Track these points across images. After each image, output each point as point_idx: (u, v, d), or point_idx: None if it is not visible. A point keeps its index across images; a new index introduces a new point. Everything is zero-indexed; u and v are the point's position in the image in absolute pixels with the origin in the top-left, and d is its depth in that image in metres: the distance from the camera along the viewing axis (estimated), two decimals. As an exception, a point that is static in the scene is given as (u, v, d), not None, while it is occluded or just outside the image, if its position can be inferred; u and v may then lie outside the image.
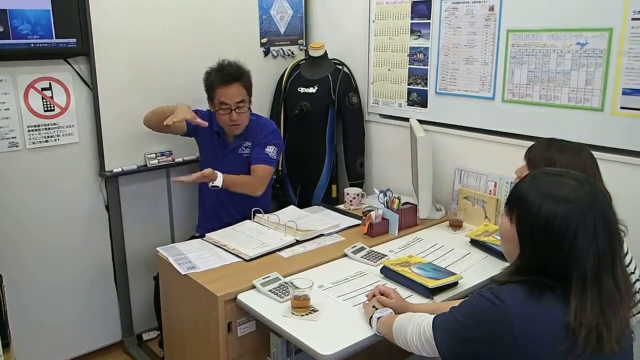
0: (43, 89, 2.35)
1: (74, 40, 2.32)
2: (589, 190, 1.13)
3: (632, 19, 1.89)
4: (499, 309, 1.13)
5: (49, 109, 2.38)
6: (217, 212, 2.51)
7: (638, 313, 1.55)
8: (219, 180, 2.26)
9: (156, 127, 2.44)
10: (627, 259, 1.59)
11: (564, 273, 1.11)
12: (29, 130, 2.34)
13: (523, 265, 1.18)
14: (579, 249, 1.09)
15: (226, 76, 2.35)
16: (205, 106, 2.50)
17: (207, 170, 2.25)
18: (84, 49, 2.36)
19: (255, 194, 2.39)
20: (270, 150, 2.43)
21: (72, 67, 2.41)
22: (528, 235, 1.16)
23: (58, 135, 2.42)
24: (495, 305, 1.14)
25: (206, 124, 2.34)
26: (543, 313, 1.10)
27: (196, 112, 2.48)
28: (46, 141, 2.39)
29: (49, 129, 2.39)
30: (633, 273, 1.59)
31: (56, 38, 2.27)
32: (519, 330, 1.10)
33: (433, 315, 1.32)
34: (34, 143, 2.36)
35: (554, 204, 1.12)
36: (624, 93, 1.95)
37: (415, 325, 1.36)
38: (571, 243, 1.09)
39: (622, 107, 1.96)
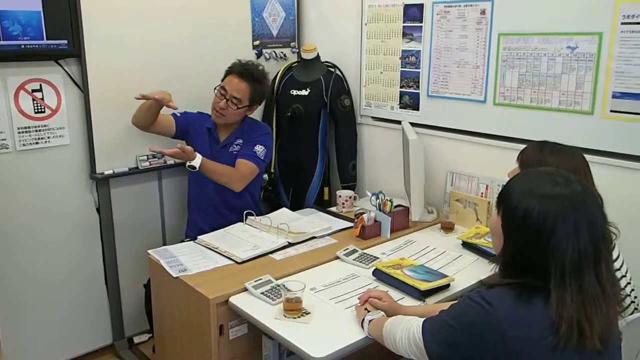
0: (33, 91, 2.33)
1: (65, 41, 2.31)
2: (576, 189, 1.14)
3: (622, 23, 1.90)
4: (488, 313, 1.13)
5: (39, 110, 2.36)
6: (206, 215, 2.51)
7: (631, 314, 1.56)
8: (197, 160, 2.21)
9: (143, 121, 2.39)
10: (618, 263, 1.60)
11: (543, 269, 1.11)
12: (19, 132, 2.32)
13: (506, 260, 1.20)
14: (557, 243, 1.10)
15: (243, 70, 2.40)
16: (194, 109, 2.55)
17: (188, 147, 2.22)
18: (75, 51, 2.35)
19: (233, 187, 2.35)
20: (259, 149, 2.42)
21: (63, 68, 2.39)
22: (509, 229, 1.18)
23: (48, 137, 2.40)
24: (484, 309, 1.14)
25: (177, 107, 2.30)
26: (531, 315, 1.11)
27: (186, 114, 2.51)
28: (36, 143, 2.38)
29: (40, 130, 2.38)
30: (625, 276, 1.60)
31: (47, 39, 2.26)
32: (508, 334, 1.10)
33: (422, 319, 1.32)
34: (24, 145, 2.34)
35: (533, 198, 1.14)
36: (613, 96, 1.97)
37: (405, 329, 1.36)
38: (548, 237, 1.10)
39: (611, 111, 1.98)
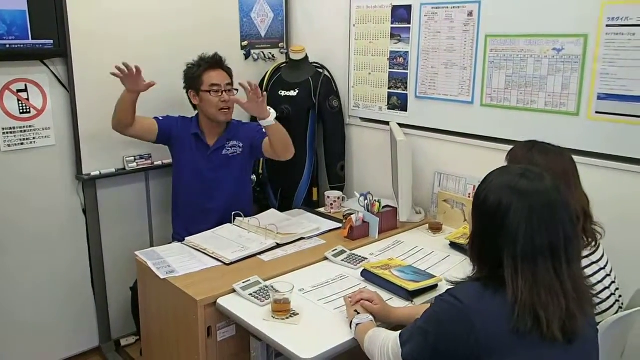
0: (19, 91, 2.31)
1: (51, 41, 2.29)
2: (544, 186, 1.16)
3: (607, 25, 1.92)
4: (459, 310, 1.16)
5: (24, 111, 2.34)
6: (193, 221, 2.46)
7: (616, 313, 1.58)
8: (272, 117, 2.19)
9: (124, 114, 2.31)
10: (603, 262, 1.61)
11: (498, 256, 1.14)
12: (4, 133, 2.29)
13: (470, 247, 1.25)
14: (508, 229, 1.13)
15: (212, 61, 2.43)
16: (181, 108, 2.51)
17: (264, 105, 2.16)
18: (61, 51, 2.33)
19: (289, 152, 2.37)
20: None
21: (49, 68, 2.37)
22: (473, 215, 1.24)
23: (34, 138, 2.38)
24: (455, 306, 1.16)
25: (154, 83, 2.28)
26: (496, 308, 1.13)
27: (168, 118, 2.48)
28: (22, 144, 2.35)
29: (25, 131, 2.35)
30: (609, 275, 1.61)
31: (32, 39, 2.24)
32: (479, 328, 1.12)
33: (398, 333, 1.33)
34: (9, 146, 2.32)
35: (495, 187, 1.19)
36: (598, 98, 1.99)
37: (384, 347, 1.36)
38: (500, 224, 1.14)
39: (597, 112, 2.00)
